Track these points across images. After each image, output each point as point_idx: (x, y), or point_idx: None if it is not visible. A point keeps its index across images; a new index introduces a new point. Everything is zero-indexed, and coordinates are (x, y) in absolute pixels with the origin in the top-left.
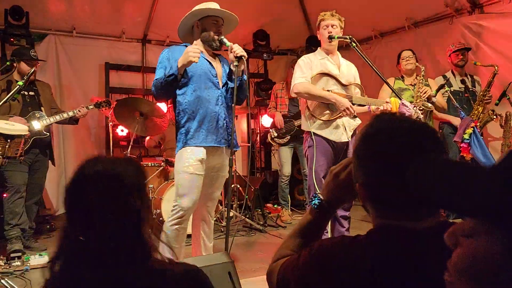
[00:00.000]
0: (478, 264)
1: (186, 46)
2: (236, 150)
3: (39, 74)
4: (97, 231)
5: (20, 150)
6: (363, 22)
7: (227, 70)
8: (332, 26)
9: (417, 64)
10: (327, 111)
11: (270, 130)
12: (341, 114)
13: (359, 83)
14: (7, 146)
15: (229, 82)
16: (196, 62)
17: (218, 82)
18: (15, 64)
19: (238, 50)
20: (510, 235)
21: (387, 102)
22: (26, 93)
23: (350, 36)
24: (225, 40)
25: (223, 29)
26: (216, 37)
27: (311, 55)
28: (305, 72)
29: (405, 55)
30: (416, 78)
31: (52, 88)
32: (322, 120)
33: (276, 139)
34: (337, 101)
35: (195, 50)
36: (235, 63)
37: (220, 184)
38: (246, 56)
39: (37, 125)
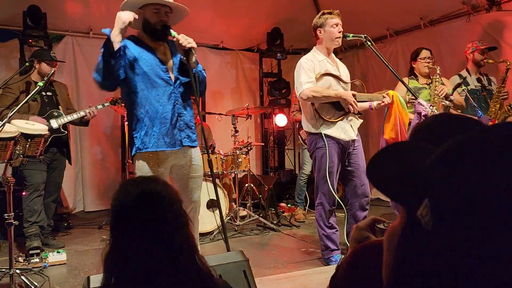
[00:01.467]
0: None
1: (134, 39)
2: (193, 147)
3: (57, 75)
4: (145, 243)
5: (40, 149)
6: (377, 20)
7: (178, 62)
8: (340, 25)
9: (431, 66)
10: (333, 111)
11: (300, 131)
12: (346, 111)
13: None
14: (27, 146)
15: (180, 77)
16: (130, 23)
17: (169, 77)
18: (35, 65)
19: (185, 41)
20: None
21: (385, 96)
22: (44, 93)
23: (365, 35)
24: (171, 30)
25: (173, 18)
26: (162, 27)
27: (310, 56)
28: (310, 76)
29: (424, 55)
30: (430, 78)
31: (70, 89)
32: (331, 120)
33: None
34: (342, 96)
35: (126, 16)
36: (184, 58)
37: (196, 185)
38: (195, 46)
39: (55, 123)
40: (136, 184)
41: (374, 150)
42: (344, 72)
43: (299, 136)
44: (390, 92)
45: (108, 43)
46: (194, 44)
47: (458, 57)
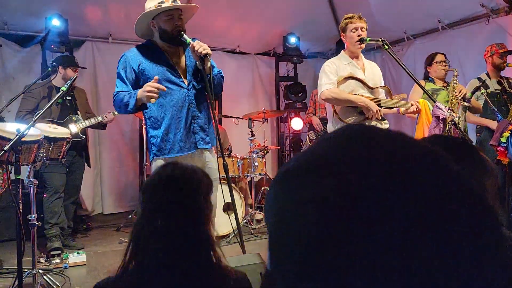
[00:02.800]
0: None
1: (147, 45)
2: (207, 149)
3: (77, 79)
4: (171, 225)
5: (62, 152)
6: (394, 24)
7: (193, 64)
8: (361, 29)
9: (449, 68)
10: (355, 115)
11: (309, 132)
12: (368, 116)
13: (383, 85)
14: (50, 149)
15: (195, 83)
16: (153, 102)
17: (182, 81)
18: (60, 71)
19: (201, 48)
20: None
21: (413, 104)
22: (64, 98)
23: (382, 39)
24: (185, 37)
25: (185, 17)
26: (177, 34)
27: (335, 60)
28: (331, 78)
29: (440, 59)
30: (446, 81)
31: (89, 93)
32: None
33: (314, 140)
34: (365, 104)
35: (152, 90)
36: (200, 64)
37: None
38: (210, 52)
39: (74, 128)
40: (173, 166)
41: None
42: (373, 75)
43: (307, 137)
44: (420, 101)
45: (133, 110)
46: (209, 50)
47: (476, 60)
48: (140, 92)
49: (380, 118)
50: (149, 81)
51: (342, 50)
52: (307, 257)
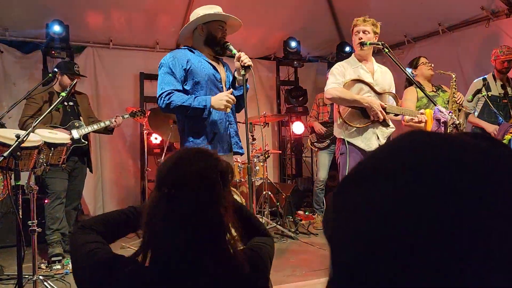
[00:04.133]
0: None
1: (189, 49)
2: (242, 154)
3: (78, 85)
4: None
5: (62, 158)
6: (395, 27)
7: (230, 76)
8: (363, 32)
9: (444, 72)
10: (360, 118)
11: (310, 135)
12: (371, 117)
13: (394, 92)
14: (50, 154)
15: (233, 90)
16: (227, 112)
17: (222, 87)
18: (58, 76)
19: (246, 59)
20: None
21: (421, 114)
22: (66, 103)
23: (382, 42)
24: (231, 47)
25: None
26: (223, 43)
27: (345, 63)
28: (338, 78)
29: (425, 60)
30: (432, 85)
31: (90, 98)
32: (355, 126)
33: (315, 143)
34: (369, 104)
35: (230, 101)
36: (242, 72)
37: None
38: (252, 65)
39: (76, 134)
40: (198, 155)
41: None
42: (382, 80)
43: (308, 140)
44: (427, 111)
45: (202, 111)
46: (251, 63)
47: (477, 63)
48: (215, 100)
49: (382, 119)
50: (197, 81)
51: (353, 54)
52: (365, 261)
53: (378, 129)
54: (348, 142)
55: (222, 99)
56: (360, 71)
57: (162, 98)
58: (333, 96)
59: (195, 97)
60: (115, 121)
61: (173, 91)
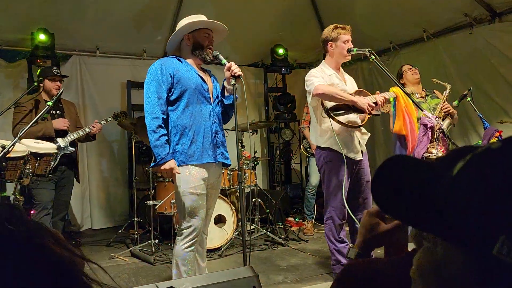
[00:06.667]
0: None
1: (178, 58)
2: (229, 166)
3: (65, 93)
4: None
5: (49, 168)
6: (380, 34)
7: (218, 87)
8: (347, 41)
9: (440, 82)
10: (345, 114)
11: (303, 141)
12: (367, 111)
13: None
14: (36, 165)
15: (223, 98)
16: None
17: (209, 97)
18: (41, 85)
19: (237, 69)
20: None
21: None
22: (53, 111)
23: (369, 49)
24: (220, 57)
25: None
26: (211, 52)
27: (319, 69)
28: (321, 79)
29: (407, 67)
30: (423, 90)
31: (76, 107)
32: (339, 120)
33: (308, 149)
34: (358, 101)
35: (169, 173)
36: (232, 82)
37: (214, 201)
38: (242, 74)
39: (61, 142)
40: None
41: (381, 161)
42: (352, 88)
43: (302, 145)
44: (392, 88)
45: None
46: (241, 73)
47: (462, 68)
48: (165, 166)
49: (377, 106)
50: (184, 89)
51: (323, 61)
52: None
53: (358, 135)
54: (332, 149)
55: (165, 168)
56: (335, 79)
57: (149, 120)
58: (323, 92)
59: (166, 148)
60: (93, 126)
61: (161, 124)
